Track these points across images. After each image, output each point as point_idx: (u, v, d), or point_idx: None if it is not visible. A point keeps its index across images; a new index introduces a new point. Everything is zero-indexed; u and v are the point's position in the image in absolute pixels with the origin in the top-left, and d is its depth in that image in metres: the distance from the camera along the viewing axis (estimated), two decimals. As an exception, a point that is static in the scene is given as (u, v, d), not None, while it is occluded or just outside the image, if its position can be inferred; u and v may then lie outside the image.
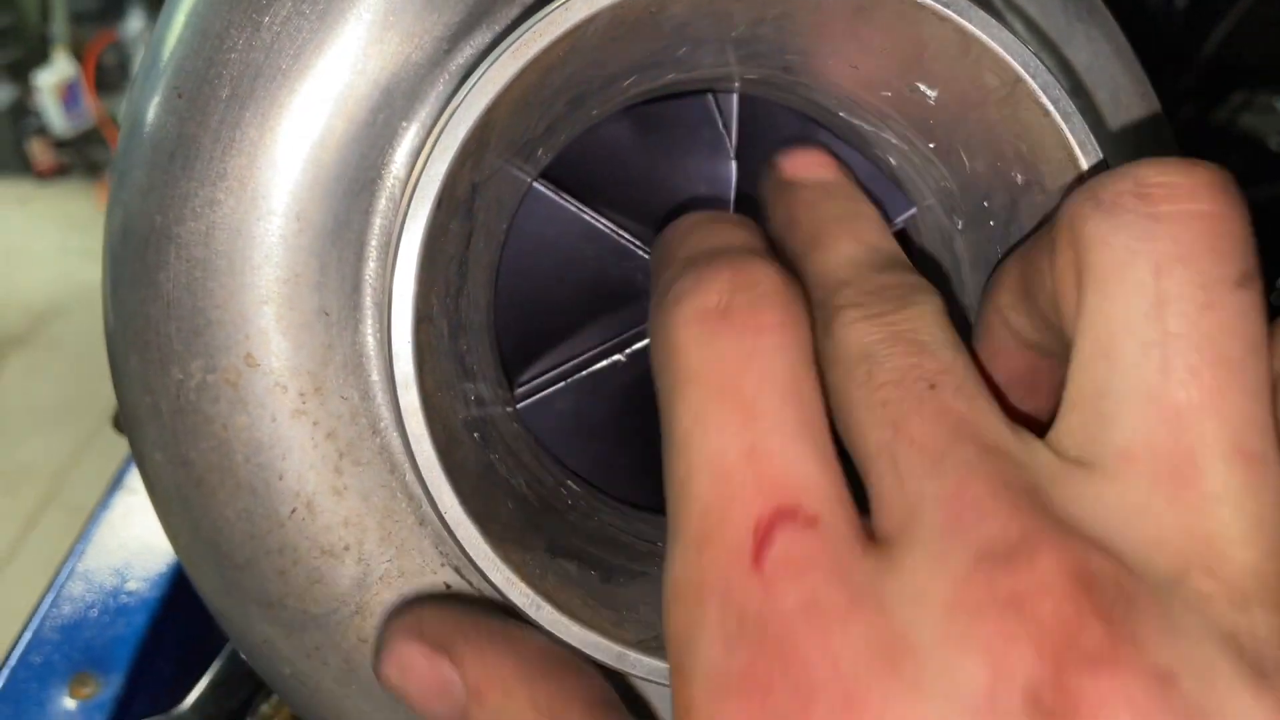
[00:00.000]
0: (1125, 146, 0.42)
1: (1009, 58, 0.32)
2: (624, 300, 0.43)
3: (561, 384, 0.42)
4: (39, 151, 4.25)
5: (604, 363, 0.43)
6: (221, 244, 0.36)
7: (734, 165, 0.41)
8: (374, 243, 0.37)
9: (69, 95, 4.09)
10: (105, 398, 0.39)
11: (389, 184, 0.37)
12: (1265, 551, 0.21)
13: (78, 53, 4.15)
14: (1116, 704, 0.19)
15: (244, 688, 0.57)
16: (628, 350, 0.43)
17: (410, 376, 0.32)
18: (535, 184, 0.40)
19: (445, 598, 0.36)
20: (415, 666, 0.31)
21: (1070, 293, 0.25)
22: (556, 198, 0.40)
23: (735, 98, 0.41)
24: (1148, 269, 0.22)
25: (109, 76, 4.28)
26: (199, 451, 0.37)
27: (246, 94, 0.36)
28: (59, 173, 4.32)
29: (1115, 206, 0.23)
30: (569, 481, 0.41)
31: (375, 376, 0.37)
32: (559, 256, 0.41)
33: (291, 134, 0.36)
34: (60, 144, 4.24)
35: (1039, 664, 0.20)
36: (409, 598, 0.37)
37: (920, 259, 0.42)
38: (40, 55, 4.22)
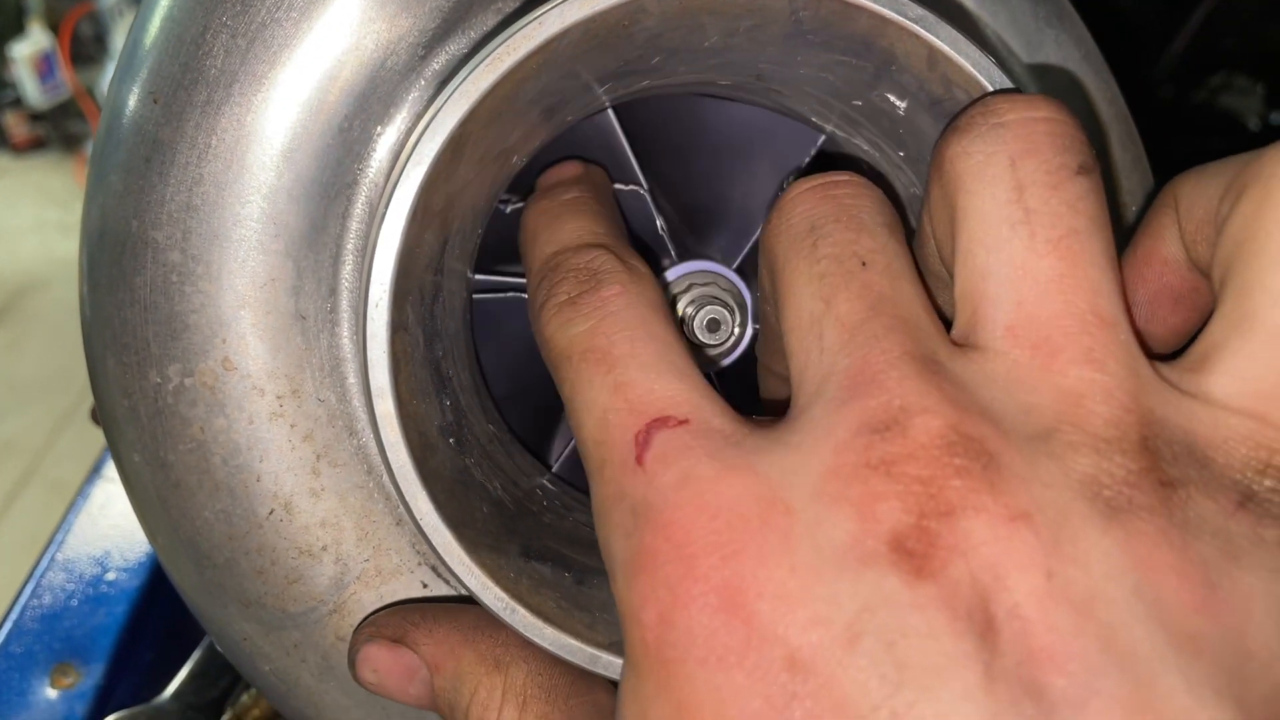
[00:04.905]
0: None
1: (976, 73, 0.32)
2: None
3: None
4: (14, 125, 4.21)
5: None
6: (197, 249, 0.36)
7: (643, 186, 0.43)
8: (350, 246, 0.37)
9: (44, 67, 4.04)
10: (84, 373, 0.39)
11: (365, 189, 0.37)
12: (1123, 405, 0.24)
13: (53, 24, 4.10)
14: (972, 542, 0.22)
15: (224, 677, 0.58)
16: None
17: (386, 385, 0.32)
18: (476, 284, 0.41)
19: (395, 604, 0.38)
20: (381, 662, 0.36)
21: (945, 225, 0.28)
22: (494, 293, 0.42)
23: (613, 115, 0.42)
24: (1004, 163, 0.26)
25: (85, 48, 4.23)
26: (177, 454, 0.37)
27: (222, 99, 0.36)
28: (35, 146, 4.28)
29: (969, 125, 0.27)
30: (545, 481, 0.41)
31: (352, 379, 0.37)
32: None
33: (267, 139, 0.36)
34: (36, 116, 4.20)
35: (903, 515, 0.22)
36: (386, 597, 0.38)
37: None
38: (15, 27, 4.16)
